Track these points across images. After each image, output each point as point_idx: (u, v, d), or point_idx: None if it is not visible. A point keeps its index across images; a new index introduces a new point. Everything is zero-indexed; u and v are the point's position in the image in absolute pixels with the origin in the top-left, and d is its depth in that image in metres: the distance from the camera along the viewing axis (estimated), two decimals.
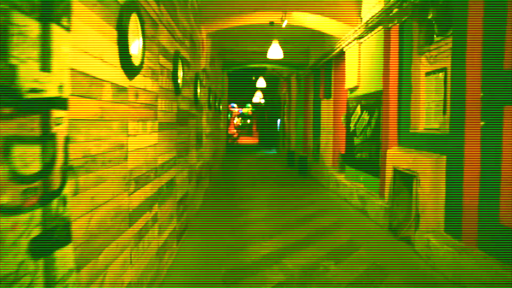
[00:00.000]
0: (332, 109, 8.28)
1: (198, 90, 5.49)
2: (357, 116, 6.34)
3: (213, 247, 4.22)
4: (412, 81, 4.59)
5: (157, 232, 3.14)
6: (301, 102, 11.77)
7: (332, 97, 8.29)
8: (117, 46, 2.14)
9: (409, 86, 4.64)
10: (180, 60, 3.95)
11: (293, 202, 6.64)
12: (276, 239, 4.54)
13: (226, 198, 6.78)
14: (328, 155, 8.48)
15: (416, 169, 4.20)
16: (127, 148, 2.35)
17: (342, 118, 7.62)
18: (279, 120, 18.32)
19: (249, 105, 28.58)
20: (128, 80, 2.34)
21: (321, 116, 9.15)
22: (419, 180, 4.12)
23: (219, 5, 6.12)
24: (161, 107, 3.28)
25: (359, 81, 6.27)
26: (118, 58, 2.17)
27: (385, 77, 5.16)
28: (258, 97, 17.16)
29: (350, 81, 6.66)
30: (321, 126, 9.14)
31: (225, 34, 7.94)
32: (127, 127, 2.34)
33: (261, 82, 12.42)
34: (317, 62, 9.08)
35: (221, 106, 10.28)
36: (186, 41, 4.54)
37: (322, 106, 9.12)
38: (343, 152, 7.53)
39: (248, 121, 37.57)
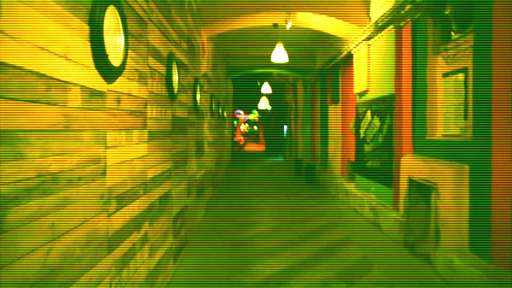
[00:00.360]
0: (340, 114, 7.93)
1: (198, 96, 5.18)
2: (367, 121, 5.97)
3: (213, 266, 3.86)
4: (427, 83, 4.23)
5: (147, 254, 2.81)
6: (307, 108, 11.43)
7: (340, 102, 7.94)
8: (89, 44, 1.83)
9: (424, 88, 4.28)
10: (175, 63, 3.64)
11: (300, 214, 6.26)
12: (282, 257, 4.18)
13: (230, 210, 6.43)
14: (337, 163, 8.10)
15: (435, 180, 3.82)
16: (105, 162, 2.03)
17: (351, 124, 7.26)
18: (285, 127, 17.99)
19: (256, 111, 28.29)
20: (105, 83, 2.03)
21: (329, 122, 8.79)
22: (439, 192, 3.74)
23: (219, 6, 5.83)
24: (152, 114, 2.96)
25: (369, 84, 5.92)
26: (91, 58, 1.86)
27: (398, 79, 4.80)
28: (263, 103, 16.85)
29: (359, 85, 6.31)
30: (329, 132, 8.78)
31: (227, 38, 7.65)
32: (105, 137, 2.02)
33: (266, 88, 12.11)
34: (324, 66, 8.75)
35: (225, 113, 9.98)
36: (183, 43, 4.25)
37: (329, 112, 8.77)
38: (353, 160, 7.15)
39: (255, 127, 37.33)
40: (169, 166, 3.57)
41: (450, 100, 3.93)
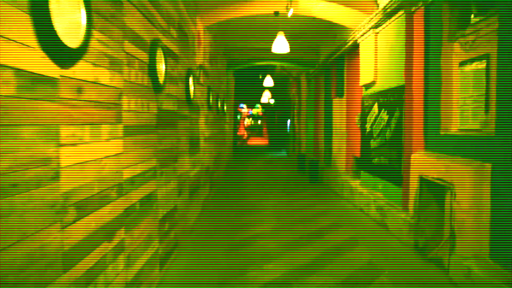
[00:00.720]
0: (345, 108, 7.53)
1: (192, 89, 4.81)
2: (374, 115, 5.58)
3: (206, 271, 3.53)
4: (442, 73, 3.83)
5: (123, 264, 2.47)
6: (311, 102, 11.03)
7: (345, 95, 7.54)
8: (30, 18, 1.47)
9: (438, 79, 3.88)
10: (161, 51, 3.28)
11: (303, 213, 5.90)
12: (283, 260, 3.83)
13: (228, 209, 6.08)
14: (341, 159, 7.72)
15: (451, 179, 3.44)
16: (58, 163, 1.68)
17: (356, 119, 6.86)
18: (289, 121, 17.60)
19: (259, 105, 27.90)
20: (58, 68, 1.67)
21: (333, 116, 8.39)
22: (455, 192, 3.36)
23: None
24: (130, 107, 2.60)
25: (376, 76, 5.51)
26: (34, 35, 1.50)
27: (408, 70, 4.40)
28: (266, 97, 16.45)
29: (365, 76, 5.90)
30: (333, 127, 8.39)
31: (226, 28, 7.26)
32: (57, 133, 1.67)
33: (268, 81, 11.71)
34: (328, 58, 8.33)
35: (225, 107, 9.62)
36: (173, 31, 3.88)
37: (334, 106, 8.36)
38: (358, 156, 6.77)
39: (259, 122, 36.97)
40: (154, 165, 3.22)
41: (468, 91, 3.53)
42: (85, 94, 1.94)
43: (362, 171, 6.34)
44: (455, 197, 3.35)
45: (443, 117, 3.84)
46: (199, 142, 5.71)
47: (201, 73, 5.84)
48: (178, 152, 4.13)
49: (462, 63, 3.59)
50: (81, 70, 1.89)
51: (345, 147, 7.55)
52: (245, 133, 32.10)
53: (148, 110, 3.03)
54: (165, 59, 3.39)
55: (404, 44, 4.48)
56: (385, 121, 5.12)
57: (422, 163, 4.05)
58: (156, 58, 3.11)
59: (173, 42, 3.88)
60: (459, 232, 3.31)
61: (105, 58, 2.19)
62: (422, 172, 4.01)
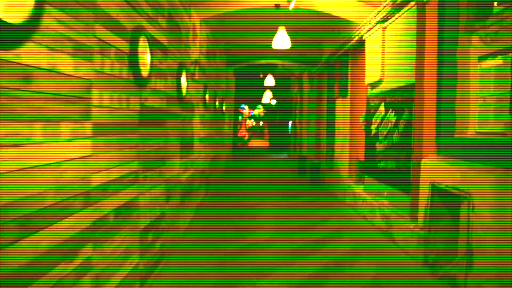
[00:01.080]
0: (348, 109, 7.16)
1: (184, 85, 4.46)
2: (380, 116, 5.21)
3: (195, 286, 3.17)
4: (457, 69, 3.46)
5: (89, 287, 2.10)
6: (313, 102, 10.66)
7: (349, 95, 7.17)
8: None
9: (453, 76, 3.52)
10: (145, 41, 2.92)
11: (303, 221, 5.53)
12: (280, 275, 3.47)
13: (223, 215, 5.72)
14: (344, 162, 7.35)
15: (468, 188, 3.07)
16: None
17: (360, 119, 6.49)
18: (290, 122, 17.24)
19: (260, 106, 27.55)
20: None
21: (336, 117, 8.03)
22: (473, 203, 2.99)
23: None
24: (102, 102, 2.25)
25: (383, 74, 5.14)
26: None
27: (419, 66, 4.03)
28: (267, 97, 16.09)
29: (371, 74, 5.54)
30: (336, 128, 8.02)
31: (224, 22, 6.90)
32: None
33: (269, 80, 11.34)
34: (331, 56, 7.97)
35: (224, 106, 9.26)
36: (161, 20, 3.52)
37: (337, 106, 8.00)
38: (362, 160, 6.40)
39: (261, 123, 36.69)
40: (135, 168, 2.86)
41: (488, 89, 3.16)
42: (36, 84, 1.59)
43: (366, 176, 5.97)
44: (473, 208, 2.98)
45: (458, 118, 3.47)
46: (192, 142, 5.35)
47: (196, 69, 5.48)
48: (166, 154, 3.77)
49: (482, 58, 3.23)
50: (30, 54, 1.53)
51: (348, 150, 7.18)
52: (246, 134, 31.79)
53: (127, 106, 2.67)
54: (150, 50, 3.03)
55: (415, 38, 4.11)
56: (393, 122, 4.75)
57: (434, 169, 3.68)
58: (139, 48, 2.76)
59: (162, 32, 3.52)
60: (478, 249, 2.94)
61: (67, 42, 1.83)
62: (434, 179, 3.64)
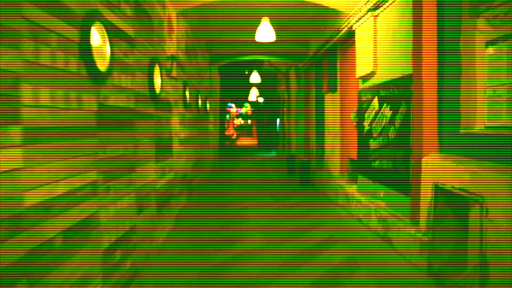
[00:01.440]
0: (338, 104, 6.80)
1: (158, 81, 4.01)
2: (374, 111, 4.84)
3: None
4: (461, 56, 3.09)
5: None
6: (301, 99, 10.28)
7: (339, 90, 6.80)
8: None
9: (456, 64, 3.15)
10: (102, 28, 2.47)
11: (293, 225, 5.13)
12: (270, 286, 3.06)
13: (206, 223, 5.28)
14: (335, 161, 6.98)
15: (478, 189, 2.70)
16: None
17: (352, 116, 6.12)
18: (278, 120, 16.87)
19: (248, 104, 27.13)
20: None
21: (325, 114, 7.66)
22: (486, 207, 2.62)
23: None
24: (38, 101, 1.80)
25: (376, 65, 4.77)
26: None
27: (417, 55, 3.66)
28: (254, 95, 15.67)
29: (362, 67, 5.16)
30: (326, 126, 7.65)
31: (204, 16, 6.45)
32: None
33: (255, 77, 10.92)
34: (319, 49, 7.58)
35: (208, 105, 8.81)
36: (125, 7, 3.06)
37: (326, 102, 7.62)
38: (355, 159, 6.03)
39: (249, 121, 36.33)
40: (93, 178, 2.42)
41: (498, 78, 2.80)
42: None
43: (359, 175, 5.60)
44: (487, 213, 2.61)
45: (463, 112, 3.10)
46: (171, 145, 4.90)
47: (174, 65, 5.03)
48: (137, 159, 3.32)
49: (490, 43, 2.86)
50: None
51: (339, 148, 6.82)
52: (234, 133, 31.36)
53: (79, 106, 2.22)
54: (110, 40, 2.58)
55: (411, 24, 3.74)
56: (388, 117, 4.38)
57: (437, 168, 3.31)
58: (90, 36, 2.30)
59: (126, 21, 3.06)
60: (493, 259, 2.57)
61: None
62: (438, 179, 3.27)
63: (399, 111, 4.08)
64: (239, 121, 37.23)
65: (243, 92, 17.70)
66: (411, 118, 3.80)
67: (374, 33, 4.78)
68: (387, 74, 4.46)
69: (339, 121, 6.79)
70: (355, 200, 5.55)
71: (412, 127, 3.78)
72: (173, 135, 5.00)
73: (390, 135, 4.34)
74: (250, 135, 32.37)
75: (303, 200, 6.93)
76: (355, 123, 5.95)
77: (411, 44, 3.74)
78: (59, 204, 1.98)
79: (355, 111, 5.93)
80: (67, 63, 2.07)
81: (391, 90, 4.29)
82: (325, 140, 7.72)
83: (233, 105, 28.73)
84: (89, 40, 2.26)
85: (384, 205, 4.55)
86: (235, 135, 29.33)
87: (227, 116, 29.68)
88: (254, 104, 24.15)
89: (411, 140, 3.80)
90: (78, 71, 2.21)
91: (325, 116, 7.66)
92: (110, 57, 2.59)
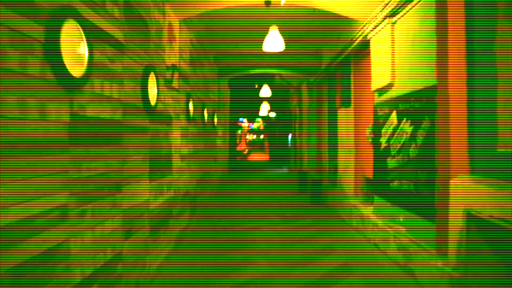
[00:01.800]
0: (352, 119, 6.37)
1: (154, 92, 3.68)
2: (392, 127, 4.40)
3: None
4: (497, 63, 2.66)
5: None
6: (313, 114, 9.88)
7: (352, 104, 6.39)
8: None
9: (490, 72, 2.72)
10: (78, 27, 2.14)
11: (304, 249, 4.66)
12: None
13: (209, 247, 4.85)
14: (349, 179, 6.52)
15: None
16: None
17: (367, 131, 5.68)
18: (290, 136, 16.46)
19: (259, 119, 26.84)
20: None
21: (338, 129, 7.24)
22: None
23: None
24: None
25: (394, 77, 4.36)
26: None
27: (442, 63, 3.24)
28: (265, 109, 15.34)
29: (378, 79, 4.75)
30: (339, 142, 7.22)
31: (209, 25, 6.17)
32: None
33: (265, 91, 10.59)
34: (331, 62, 7.22)
35: (215, 120, 8.48)
36: (112, 8, 2.74)
37: (339, 117, 7.22)
38: (370, 178, 5.56)
39: (262, 136, 36.06)
40: (63, 201, 2.05)
41: None
42: None
43: (375, 196, 5.12)
44: None
45: (501, 127, 2.65)
46: (171, 161, 4.53)
47: (175, 76, 4.71)
48: (124, 178, 2.95)
49: None
50: None
51: (353, 166, 6.36)
52: (246, 148, 31.06)
53: (43, 117, 1.87)
54: (89, 41, 2.24)
55: (435, 29, 3.33)
56: (408, 133, 3.94)
57: (468, 193, 2.84)
58: (62, 35, 1.97)
59: (112, 22, 2.74)
60: None
61: None
62: (470, 205, 2.80)
63: (422, 127, 3.64)
64: (251, 137, 36.97)
65: (254, 107, 17.41)
66: (435, 135, 3.36)
67: (392, 41, 4.39)
68: (407, 86, 4.04)
69: (353, 137, 6.36)
70: (371, 223, 5.06)
71: (437, 144, 3.33)
72: (173, 151, 4.64)
73: (411, 153, 3.89)
74: (262, 150, 32.01)
75: (314, 220, 6.44)
76: (370, 140, 5.51)
77: (435, 51, 3.33)
78: (10, 234, 1.60)
79: (370, 127, 5.49)
80: (23, 64, 1.73)
81: (412, 103, 3.86)
82: (338, 157, 7.28)
83: (245, 120, 28.49)
84: (58, 39, 1.93)
85: (404, 231, 4.07)
86: (246, 151, 28.99)
87: (239, 131, 29.44)
88: (266, 119, 23.85)
89: (436, 159, 3.34)
90: (42, 75, 1.86)
91: (338, 131, 7.25)
92: (88, 61, 2.26)
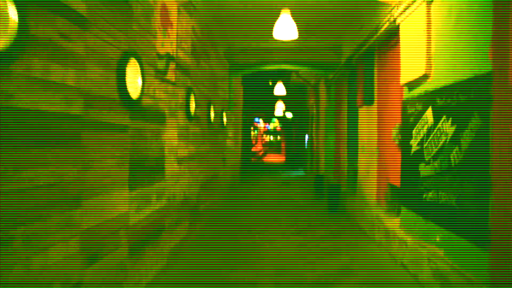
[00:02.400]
0: (375, 119, 5.62)
1: (139, 83, 3.05)
2: (426, 126, 3.64)
3: None
4: None
5: None
6: (331, 113, 9.14)
7: (376, 102, 5.65)
8: None
9: None
10: None
11: (320, 267, 3.96)
12: None
13: (208, 263, 4.20)
14: (370, 185, 5.77)
15: None
16: None
17: (393, 132, 4.92)
18: (306, 136, 15.70)
19: (276, 120, 26.13)
20: None
21: (359, 130, 6.49)
22: None
23: None
24: None
25: (430, 66, 3.60)
26: None
27: (499, 45, 2.50)
28: (280, 109, 14.62)
29: (410, 70, 4.00)
30: (360, 143, 6.47)
31: (214, 10, 5.52)
32: None
33: (280, 89, 9.89)
34: (352, 55, 6.47)
35: (225, 119, 7.84)
36: None
37: (360, 117, 6.47)
38: (397, 185, 4.79)
39: (278, 137, 35.47)
40: None
41: None
42: None
43: (403, 207, 4.37)
44: None
45: None
46: (163, 165, 3.90)
47: (172, 67, 4.08)
48: (85, 189, 2.32)
49: None
50: None
51: (375, 170, 5.60)
52: (262, 149, 30.43)
53: None
54: (18, 5, 1.62)
55: (492, 4, 2.58)
56: (449, 135, 3.18)
57: None
58: None
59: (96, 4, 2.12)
60: None
61: None
62: None
63: (469, 126, 2.88)
64: (268, 138, 36.32)
65: (269, 106, 16.71)
66: (489, 136, 2.60)
67: (428, 24, 3.64)
68: (447, 76, 3.28)
69: (376, 138, 5.60)
70: (398, 239, 4.32)
71: (491, 149, 2.58)
72: (167, 153, 4.02)
73: (452, 159, 3.13)
74: (278, 152, 31.32)
75: (332, 232, 5.71)
76: (397, 141, 4.75)
77: (490, 29, 2.59)
78: None
79: (397, 127, 4.73)
80: None
81: (455, 97, 3.10)
82: (359, 160, 6.53)
83: (261, 120, 27.85)
84: None
85: (442, 254, 3.31)
86: (262, 152, 28.32)
87: (255, 131, 28.84)
88: (282, 119, 23.13)
89: (490, 168, 2.59)
90: None
91: (359, 132, 6.50)
92: (19, 30, 1.63)
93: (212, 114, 6.44)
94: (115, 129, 2.72)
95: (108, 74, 2.61)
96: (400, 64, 4.32)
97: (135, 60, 3.00)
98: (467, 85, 2.92)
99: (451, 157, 3.13)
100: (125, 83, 2.81)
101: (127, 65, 2.84)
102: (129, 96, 2.87)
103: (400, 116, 4.54)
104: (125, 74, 2.80)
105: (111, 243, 2.69)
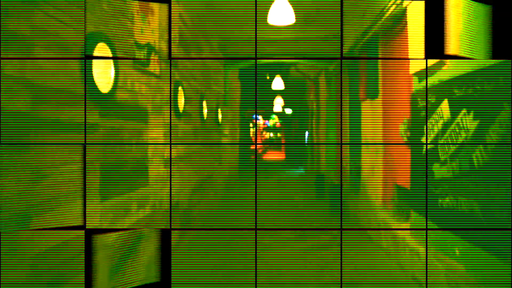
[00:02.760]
0: (380, 114, 5.20)
1: (109, 74, 2.63)
2: (441, 122, 3.22)
3: None
4: None
5: None
6: (332, 109, 8.72)
7: (381, 95, 5.23)
8: None
9: None
10: None
11: (320, 283, 3.55)
12: None
13: (199, 276, 3.78)
14: (375, 185, 5.36)
15: None
16: None
17: (401, 128, 4.49)
18: (307, 133, 15.28)
19: (275, 116, 25.71)
20: None
21: (362, 126, 6.08)
22: None
23: None
24: None
25: (447, 51, 3.17)
26: None
27: None
28: (279, 105, 14.19)
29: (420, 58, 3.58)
30: (363, 140, 6.06)
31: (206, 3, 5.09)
32: None
33: (278, 83, 9.46)
34: (354, 46, 6.04)
35: (220, 116, 7.42)
36: None
37: (363, 112, 6.06)
38: (406, 187, 4.37)
39: (278, 134, 35.12)
40: None
41: None
42: None
43: (414, 212, 3.95)
44: None
45: None
46: (146, 168, 3.48)
47: (154, 58, 3.66)
48: (35, 204, 1.89)
49: None
50: None
51: (381, 169, 5.19)
52: (261, 147, 30.03)
53: None
54: None
55: None
56: (470, 131, 2.76)
57: None
58: None
59: None
60: None
61: None
62: None
63: (496, 120, 2.46)
64: (267, 135, 35.94)
65: (268, 102, 16.28)
66: None
67: (442, 4, 3.20)
68: (465, 63, 2.85)
69: (381, 135, 5.19)
70: (409, 248, 3.90)
71: None
72: (150, 154, 3.60)
73: (475, 159, 2.70)
74: (278, 149, 30.93)
75: (333, 238, 5.29)
76: (405, 138, 4.32)
77: None
78: None
79: (406, 122, 4.31)
80: None
81: (478, 86, 2.67)
82: (362, 158, 6.12)
83: (260, 117, 27.41)
84: None
85: (462, 269, 2.89)
86: (261, 149, 27.91)
87: (254, 128, 28.42)
88: (282, 115, 22.71)
89: None
90: None
91: (362, 128, 6.08)
92: None
93: (205, 111, 6.02)
94: (77, 129, 2.29)
95: (66, 62, 2.18)
96: (408, 52, 3.89)
97: (106, 45, 2.57)
98: (491, 72, 2.49)
99: (474, 157, 2.71)
100: (92, 73, 2.38)
101: (94, 51, 2.41)
102: (97, 89, 2.45)
103: (408, 110, 4.11)
104: (90, 62, 2.37)
105: (72, 270, 2.26)
